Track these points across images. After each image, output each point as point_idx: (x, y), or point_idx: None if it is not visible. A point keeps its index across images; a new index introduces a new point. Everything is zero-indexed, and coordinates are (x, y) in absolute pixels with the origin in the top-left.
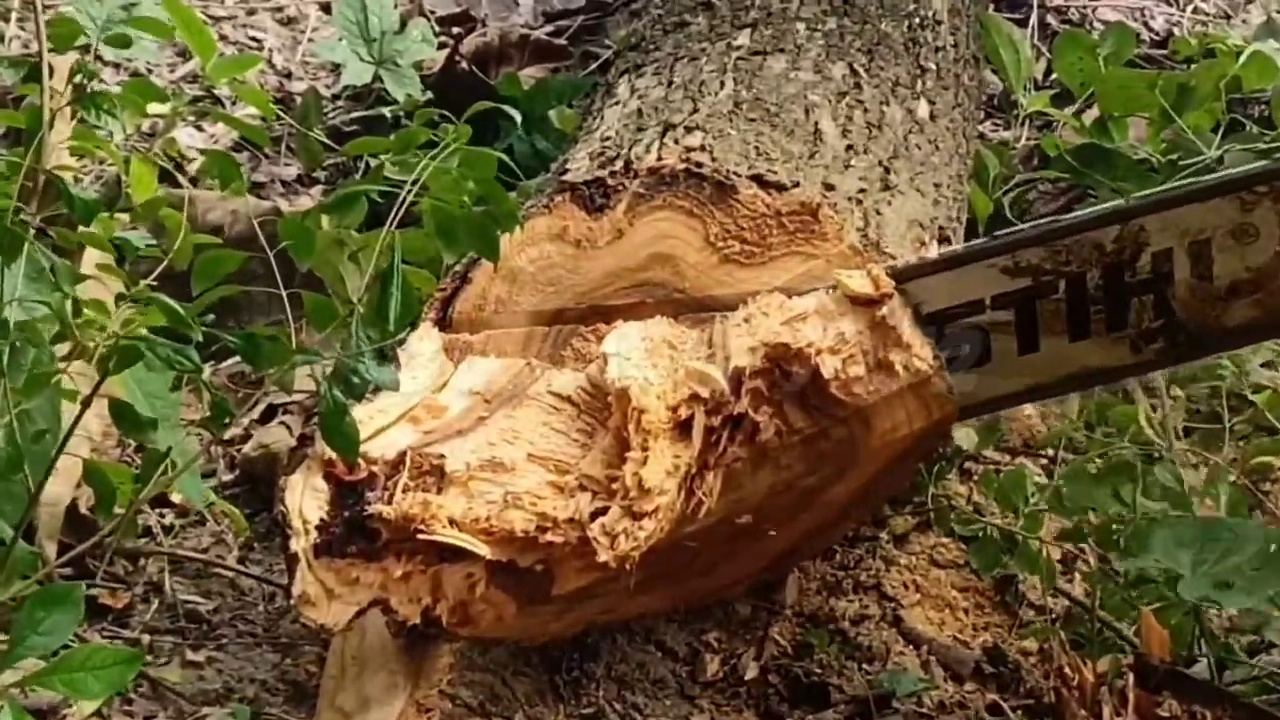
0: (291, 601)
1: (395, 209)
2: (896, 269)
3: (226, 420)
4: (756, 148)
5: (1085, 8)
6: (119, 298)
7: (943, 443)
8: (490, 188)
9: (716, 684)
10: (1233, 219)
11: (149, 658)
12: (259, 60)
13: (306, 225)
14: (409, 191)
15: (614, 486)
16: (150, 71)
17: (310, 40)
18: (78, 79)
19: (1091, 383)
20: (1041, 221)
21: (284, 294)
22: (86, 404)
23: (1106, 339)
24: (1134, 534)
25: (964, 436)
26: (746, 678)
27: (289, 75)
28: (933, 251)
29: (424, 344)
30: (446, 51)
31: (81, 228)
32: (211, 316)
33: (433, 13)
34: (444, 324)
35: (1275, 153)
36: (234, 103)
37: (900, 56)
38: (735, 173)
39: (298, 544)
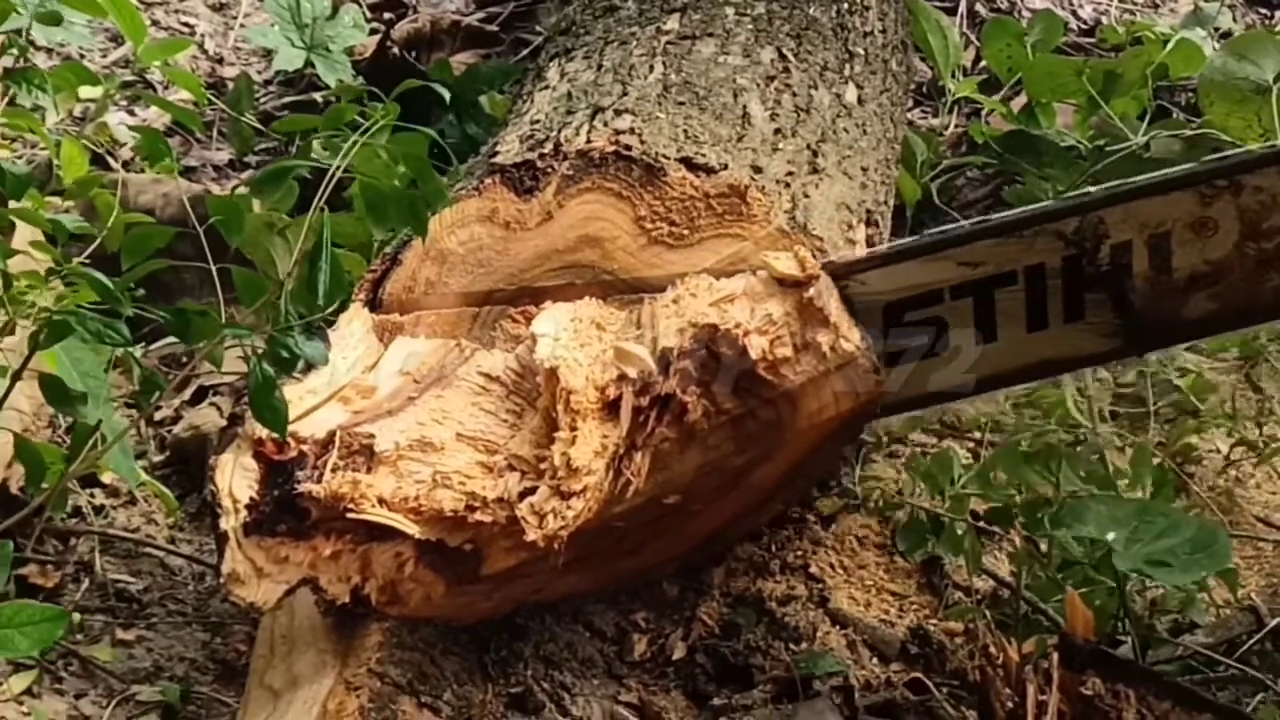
0: (221, 580)
1: (323, 185)
2: (853, 260)
3: (156, 394)
4: (685, 131)
5: None
6: (50, 272)
7: (869, 425)
8: (420, 165)
9: (644, 664)
10: (1192, 212)
11: (79, 636)
12: (189, 44)
13: (235, 203)
14: (337, 168)
15: (542, 466)
16: (82, 56)
17: (242, 26)
18: (9, 53)
19: (1049, 372)
20: (1003, 214)
21: (214, 269)
22: (16, 377)
23: (1064, 330)
24: (1068, 507)
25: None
26: (674, 657)
27: (221, 61)
28: (859, 235)
29: (354, 325)
30: (378, 37)
31: (13, 203)
32: (142, 292)
33: None
34: (374, 305)
35: (1201, 140)
36: (166, 88)
37: (828, 41)
38: (664, 155)
39: (227, 523)
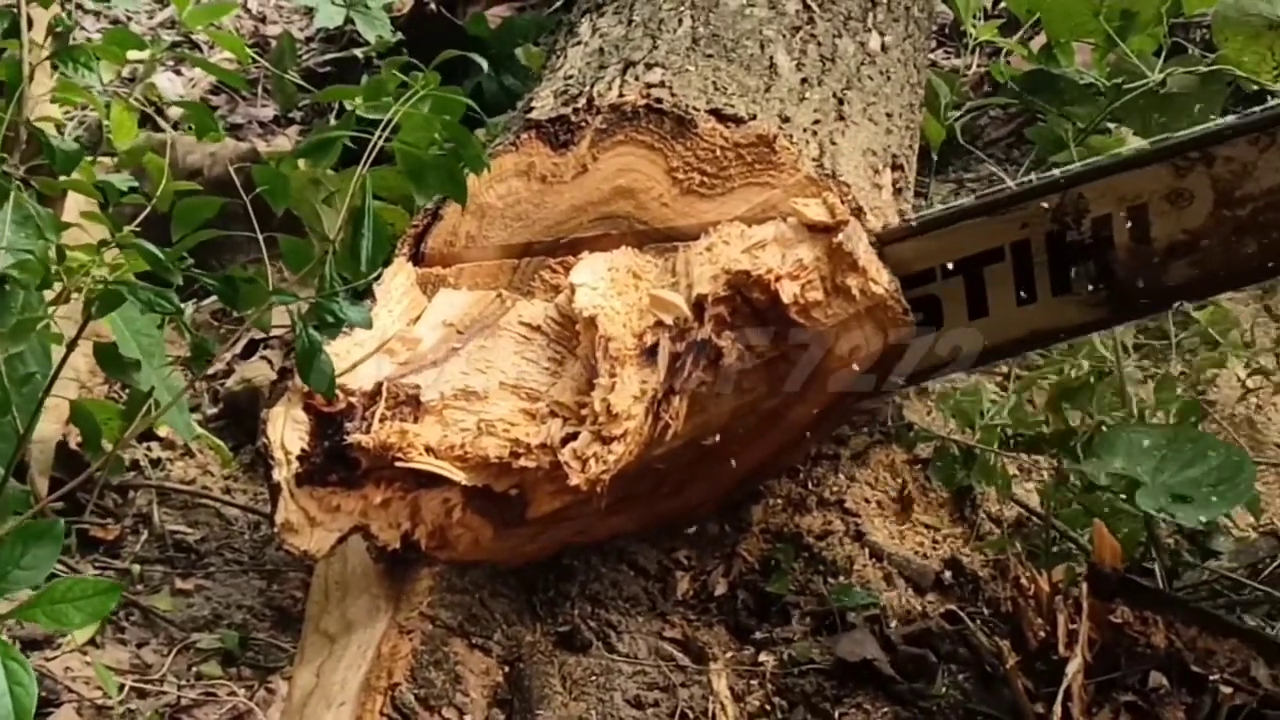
0: (275, 530)
1: (368, 151)
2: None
3: (207, 360)
4: (714, 83)
5: None
6: (102, 243)
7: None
8: (458, 132)
9: (688, 600)
10: (1168, 184)
11: (139, 587)
12: (234, 7)
13: (280, 171)
14: (380, 135)
15: (584, 412)
16: (129, 19)
17: None
18: (58, 30)
19: (1040, 344)
20: (986, 192)
21: (260, 237)
22: (72, 346)
23: (1052, 302)
24: (1099, 437)
25: None
26: (716, 594)
27: (263, 19)
28: (886, 180)
29: (398, 278)
30: None
31: (64, 176)
32: (190, 261)
33: None
34: (417, 259)
35: (1215, 75)
36: (212, 47)
37: None
38: (694, 107)
39: (280, 474)
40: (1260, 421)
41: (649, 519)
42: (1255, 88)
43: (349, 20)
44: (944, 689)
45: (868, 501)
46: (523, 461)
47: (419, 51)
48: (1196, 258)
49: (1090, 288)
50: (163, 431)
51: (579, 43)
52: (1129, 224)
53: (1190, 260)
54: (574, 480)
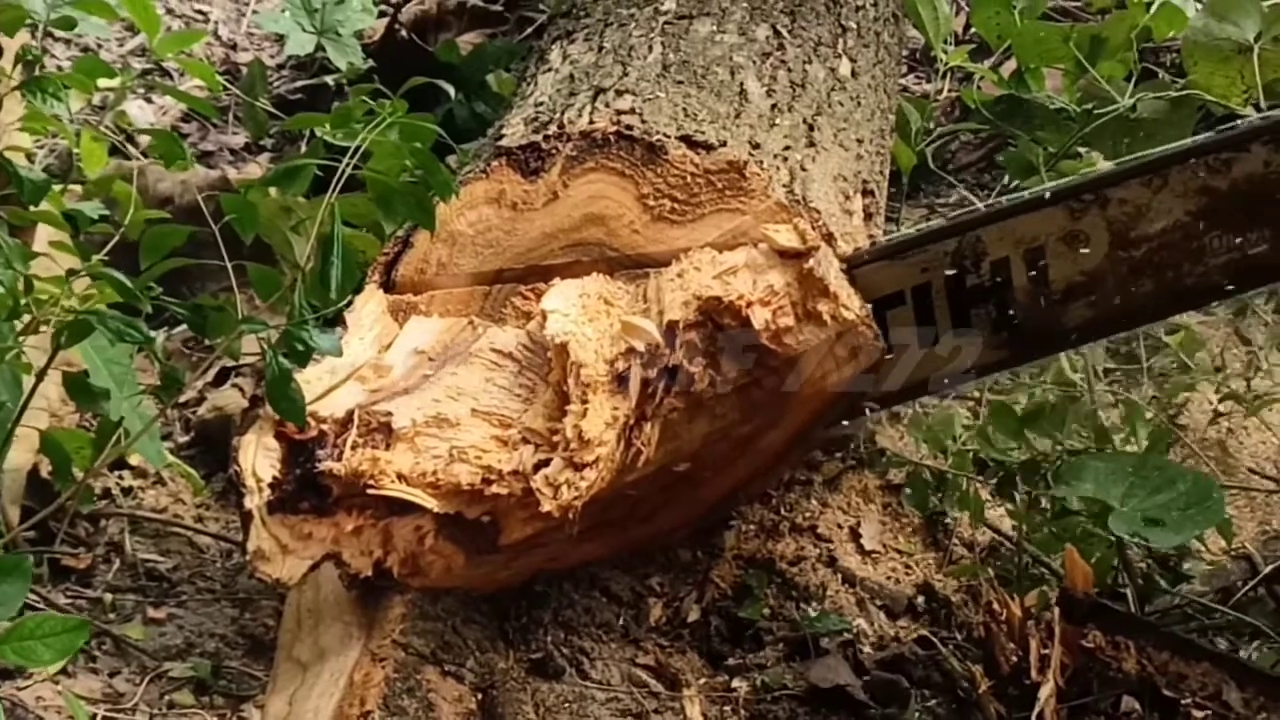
0: (247, 558)
1: (336, 179)
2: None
3: (178, 388)
4: (685, 109)
5: None
6: (70, 273)
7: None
8: (426, 159)
9: (660, 627)
10: (1063, 226)
11: (111, 615)
12: (204, 35)
13: (249, 199)
14: (348, 163)
15: (555, 439)
16: (100, 46)
17: (254, 12)
18: (27, 59)
19: (942, 386)
20: (888, 239)
21: (229, 266)
22: (42, 376)
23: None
24: (1067, 465)
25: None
26: (689, 620)
27: (234, 46)
28: (856, 205)
29: (369, 305)
30: (386, 20)
31: (33, 206)
32: (159, 290)
33: None
34: (389, 286)
35: (1185, 100)
36: (183, 74)
37: (822, 17)
38: (664, 134)
39: (252, 502)
40: (1232, 445)
41: (621, 545)
42: (1225, 111)
43: (320, 47)
44: (917, 714)
45: (840, 527)
46: (495, 488)
47: (390, 79)
48: (1094, 299)
49: (991, 330)
50: (134, 460)
51: (550, 69)
52: (1027, 266)
53: (1088, 301)
54: (546, 507)
